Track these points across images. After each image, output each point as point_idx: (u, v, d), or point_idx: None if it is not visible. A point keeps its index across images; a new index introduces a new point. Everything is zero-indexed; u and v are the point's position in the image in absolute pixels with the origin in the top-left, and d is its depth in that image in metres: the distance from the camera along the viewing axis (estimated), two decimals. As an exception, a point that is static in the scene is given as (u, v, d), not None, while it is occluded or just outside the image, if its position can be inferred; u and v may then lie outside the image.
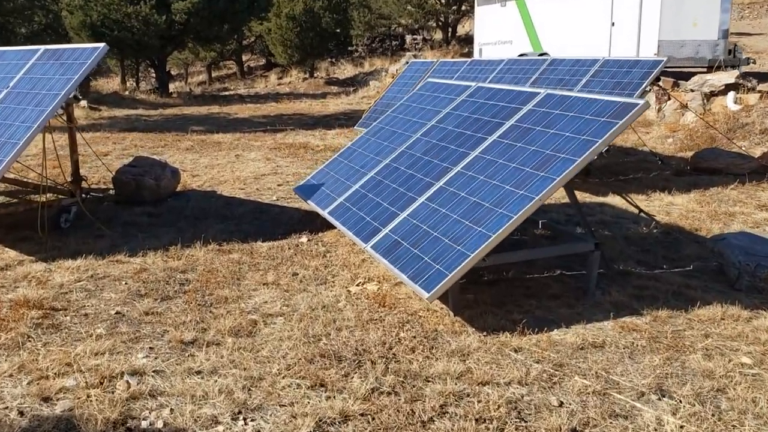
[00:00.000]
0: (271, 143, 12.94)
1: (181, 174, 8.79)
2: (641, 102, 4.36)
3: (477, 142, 5.32)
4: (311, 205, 6.49)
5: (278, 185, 9.12)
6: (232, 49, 35.40)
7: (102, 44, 6.39)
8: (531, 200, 4.28)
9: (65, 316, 4.55)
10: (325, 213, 6.08)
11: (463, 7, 35.42)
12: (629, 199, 6.43)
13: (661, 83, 16.07)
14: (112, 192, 8.10)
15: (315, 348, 4.04)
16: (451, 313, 4.50)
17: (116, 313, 4.61)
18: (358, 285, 5.10)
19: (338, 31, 30.63)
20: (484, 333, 4.25)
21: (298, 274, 5.37)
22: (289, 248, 6.03)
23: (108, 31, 21.17)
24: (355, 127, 13.84)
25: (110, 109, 19.01)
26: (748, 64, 18.96)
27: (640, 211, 6.70)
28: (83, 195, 7.40)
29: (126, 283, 5.18)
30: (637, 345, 4.12)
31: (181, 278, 5.29)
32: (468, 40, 36.69)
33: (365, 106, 20.17)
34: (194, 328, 4.33)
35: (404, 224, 4.98)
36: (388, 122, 6.95)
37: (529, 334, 4.25)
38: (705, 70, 18.93)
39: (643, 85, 8.28)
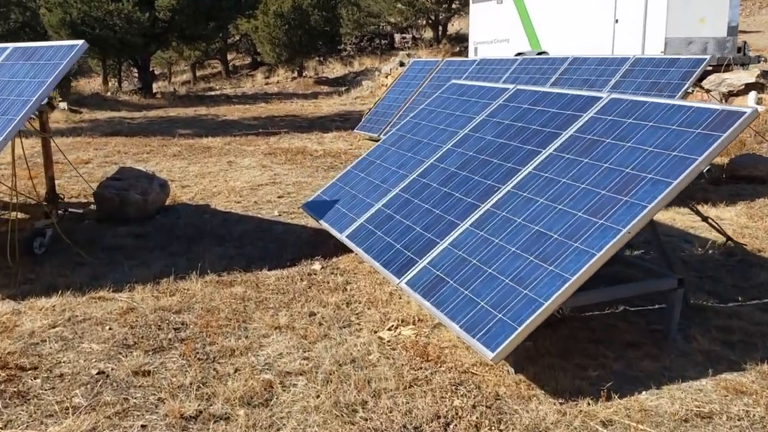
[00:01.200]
0: (265, 148, 12.05)
1: (170, 186, 7.89)
2: (748, 110, 3.53)
3: (528, 156, 4.48)
4: (324, 226, 5.63)
5: (279, 197, 8.24)
6: (217, 48, 34.40)
7: (80, 41, 5.49)
8: (617, 233, 3.44)
9: (35, 378, 3.66)
10: (342, 237, 5.22)
11: (454, 5, 34.65)
12: (711, 221, 5.51)
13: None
14: (93, 208, 7.20)
15: (351, 425, 3.19)
16: (512, 370, 3.66)
17: (98, 372, 3.73)
18: (390, 329, 4.24)
19: (327, 29, 29.70)
20: (560, 399, 3.41)
21: (315, 314, 4.50)
22: (300, 279, 5.16)
23: (89, 30, 20.16)
24: (354, 131, 12.98)
25: (92, 112, 18.02)
26: (759, 62, 18.25)
27: (728, 238, 5.80)
28: (60, 212, 6.50)
29: (110, 329, 4.29)
30: (754, 415, 3.29)
31: (176, 321, 4.40)
32: (459, 38, 35.90)
33: (360, 107, 19.30)
34: (196, 396, 3.46)
35: (446, 256, 4.13)
36: (408, 129, 6.09)
37: (614, 398, 3.42)
38: (711, 69, 18.15)
39: (685, 86, 7.49)
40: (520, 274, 3.62)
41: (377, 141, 12.22)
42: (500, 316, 3.45)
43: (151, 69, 25.57)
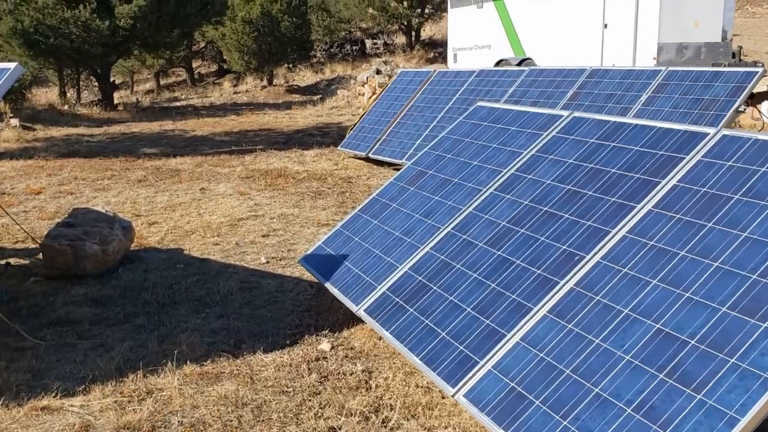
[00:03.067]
0: (240, 170, 10.83)
1: (134, 227, 6.66)
2: None
3: (615, 213, 3.38)
4: (333, 292, 4.47)
5: (263, 236, 7.06)
6: (181, 56, 32.95)
7: (13, 64, 4.27)
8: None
9: None
10: (360, 312, 4.07)
11: (427, 11, 33.68)
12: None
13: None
14: (40, 257, 5.95)
15: None
16: None
17: None
18: (444, 458, 3.10)
19: (298, 35, 28.47)
20: None
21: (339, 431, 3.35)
22: (308, 367, 3.99)
23: (43, 39, 18.71)
24: (339, 148, 11.83)
25: (46, 128, 16.59)
26: (756, 66, 17.46)
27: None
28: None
29: (55, 466, 3.10)
30: None
31: (148, 448, 3.22)
32: (432, 44, 34.92)
33: (338, 118, 18.15)
34: None
35: (521, 358, 3.01)
36: (430, 164, 4.96)
37: None
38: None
39: (736, 104, 6.48)
40: (648, 401, 2.50)
41: (364, 159, 11.08)
42: (635, 475, 2.33)
43: (111, 79, 24.12)
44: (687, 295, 2.76)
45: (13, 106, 17.32)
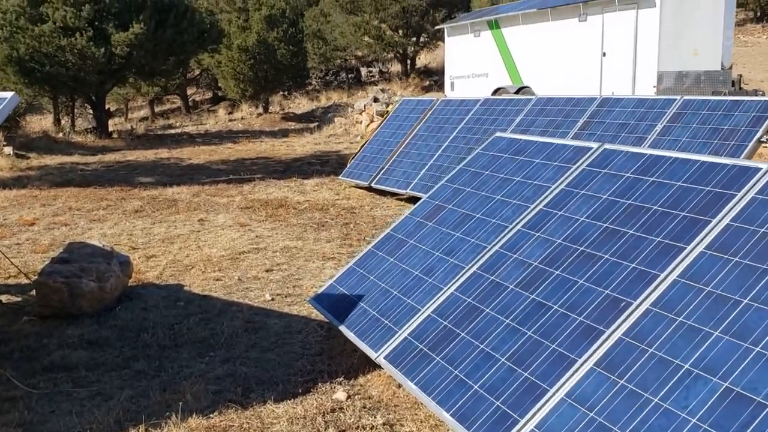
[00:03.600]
0: (239, 200, 10.56)
1: (132, 262, 6.37)
2: None
3: (662, 254, 3.11)
4: (349, 336, 4.17)
5: (267, 271, 6.76)
6: (176, 83, 32.81)
7: (10, 94, 4.01)
8: None
9: None
10: (380, 359, 3.77)
11: (422, 39, 33.70)
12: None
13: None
14: (33, 294, 5.64)
15: None
16: None
17: None
18: None
19: (294, 63, 28.38)
20: None
21: (360, 495, 3.04)
22: (323, 422, 3.67)
23: (38, 67, 18.51)
24: (340, 177, 11.58)
25: (40, 156, 16.32)
26: (756, 95, 17.38)
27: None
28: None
29: None
30: None
31: None
32: (428, 72, 34.90)
33: (336, 146, 17.94)
34: None
35: (568, 416, 2.72)
36: (449, 197, 4.70)
37: None
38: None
39: (758, 134, 6.26)
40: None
41: (366, 189, 10.82)
42: None
43: (106, 107, 23.89)
44: (757, 349, 2.48)
45: (6, 133, 17.05)
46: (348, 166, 11.61)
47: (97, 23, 18.80)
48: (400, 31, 32.44)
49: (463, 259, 4.00)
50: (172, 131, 25.82)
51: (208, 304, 5.77)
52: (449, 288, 3.86)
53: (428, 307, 3.83)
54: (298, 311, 5.55)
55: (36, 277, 5.43)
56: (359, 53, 36.89)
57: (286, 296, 5.97)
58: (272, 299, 5.89)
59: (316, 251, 7.46)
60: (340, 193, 10.98)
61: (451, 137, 9.71)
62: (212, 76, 34.96)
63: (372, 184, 10.49)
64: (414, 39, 33.19)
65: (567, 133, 8.02)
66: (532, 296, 3.39)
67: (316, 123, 24.36)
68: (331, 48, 34.69)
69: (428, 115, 10.78)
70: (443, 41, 34.81)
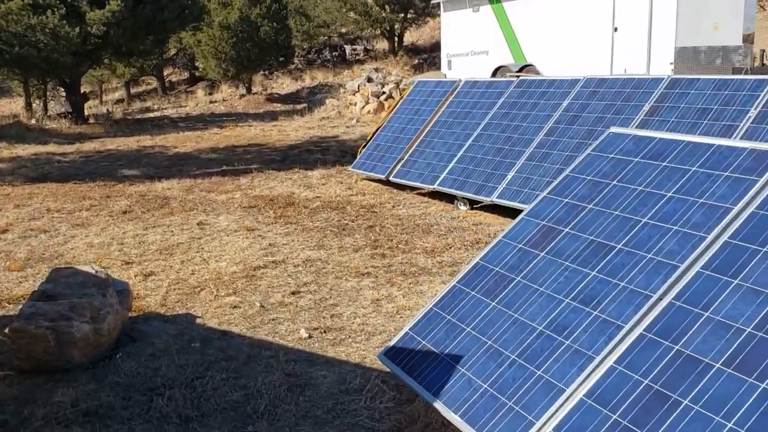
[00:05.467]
0: (240, 197, 9.35)
1: (131, 290, 5.18)
2: None
3: None
4: (448, 416, 3.04)
5: (293, 293, 5.61)
6: (153, 64, 31.22)
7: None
8: None
9: None
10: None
11: (410, 15, 32.37)
12: None
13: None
14: (8, 333, 4.42)
15: None
16: None
17: None
18: None
19: (279, 41, 26.96)
20: None
21: None
22: None
23: (7, 48, 16.99)
24: (351, 169, 10.39)
25: (12, 146, 14.92)
26: (782, 72, 16.39)
27: None
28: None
29: None
30: None
31: None
32: (416, 50, 33.63)
33: (331, 130, 16.70)
34: None
35: None
36: (562, 217, 3.55)
37: None
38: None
39: None
40: None
41: (385, 183, 9.64)
42: None
43: (81, 90, 22.38)
44: None
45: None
46: (359, 156, 10.42)
47: (70, 0, 17.33)
48: (387, 7, 31.10)
49: (615, 312, 2.88)
50: (151, 114, 24.38)
51: (231, 345, 4.60)
52: (605, 359, 2.74)
53: (578, 388, 2.71)
54: (346, 355, 4.42)
55: (13, 323, 4.21)
56: (344, 30, 35.53)
57: (325, 331, 4.83)
58: (310, 336, 4.74)
59: (345, 264, 6.31)
60: (353, 187, 9.80)
61: (483, 124, 8.56)
62: (189, 56, 33.44)
63: (390, 178, 9.33)
64: (402, 15, 31.89)
65: (630, 120, 6.91)
66: (763, 385, 2.28)
67: (304, 104, 23.06)
68: (315, 25, 33.29)
69: (451, 99, 9.61)
70: (432, 17, 33.62)
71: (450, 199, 8.48)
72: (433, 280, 5.80)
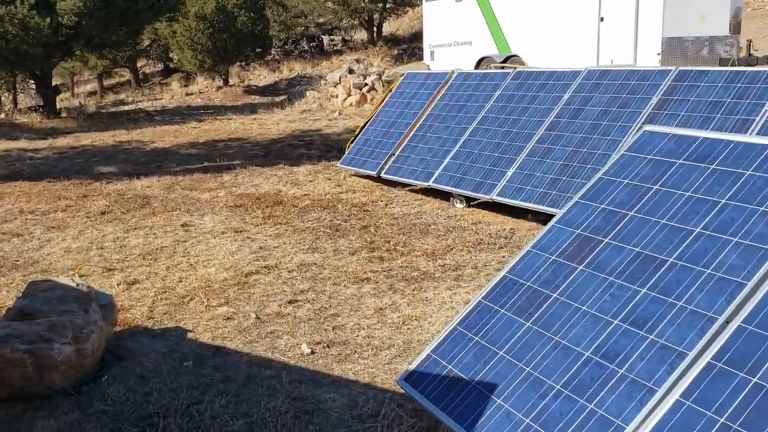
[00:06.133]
0: (225, 196, 8.94)
1: (116, 303, 4.77)
2: None
3: None
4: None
5: (289, 302, 5.24)
6: (126, 55, 30.49)
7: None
8: None
9: None
10: None
11: (388, 5, 31.92)
12: None
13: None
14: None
15: None
16: None
17: None
18: None
19: (256, 31, 26.41)
20: None
21: None
22: None
23: (-26, 39, 16.35)
24: (339, 165, 10.00)
25: (-19, 142, 14.34)
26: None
27: None
28: None
29: None
30: None
31: None
32: (395, 40, 33.18)
33: (314, 123, 16.28)
34: None
35: None
36: (599, 225, 3.22)
37: None
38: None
39: None
40: None
41: (375, 179, 9.26)
42: None
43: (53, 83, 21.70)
44: None
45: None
46: (347, 151, 10.04)
47: (39, -11, 16.70)
48: (366, -3, 30.61)
49: (675, 337, 2.55)
50: (126, 108, 23.79)
51: (228, 363, 4.23)
52: (669, 391, 2.41)
53: (640, 426, 2.38)
54: (354, 373, 4.06)
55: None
56: (322, 20, 34.99)
57: (328, 345, 4.47)
58: (312, 352, 4.37)
59: (342, 269, 5.94)
60: (342, 184, 9.42)
61: (479, 118, 8.22)
62: (163, 47, 32.73)
63: (382, 175, 8.97)
64: (381, 5, 31.42)
65: (637, 114, 6.60)
66: None
67: (284, 97, 22.60)
68: (292, 15, 32.74)
69: (443, 91, 9.25)
70: (411, 7, 33.20)
71: (445, 196, 8.14)
72: (438, 286, 5.46)
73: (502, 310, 3.17)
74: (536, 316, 3.03)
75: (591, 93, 7.27)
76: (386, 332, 4.65)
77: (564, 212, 3.42)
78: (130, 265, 6.30)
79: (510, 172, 7.24)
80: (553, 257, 3.23)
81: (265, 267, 6.07)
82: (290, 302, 5.24)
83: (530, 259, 3.32)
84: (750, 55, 16.21)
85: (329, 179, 9.76)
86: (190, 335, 4.70)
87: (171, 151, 13.10)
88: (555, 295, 3.05)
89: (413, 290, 5.40)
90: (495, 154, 7.61)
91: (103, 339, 4.22)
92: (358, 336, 4.60)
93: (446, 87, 9.29)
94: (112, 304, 4.53)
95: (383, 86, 18.93)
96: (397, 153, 9.02)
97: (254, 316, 4.99)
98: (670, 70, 6.75)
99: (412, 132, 9.09)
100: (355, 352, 4.36)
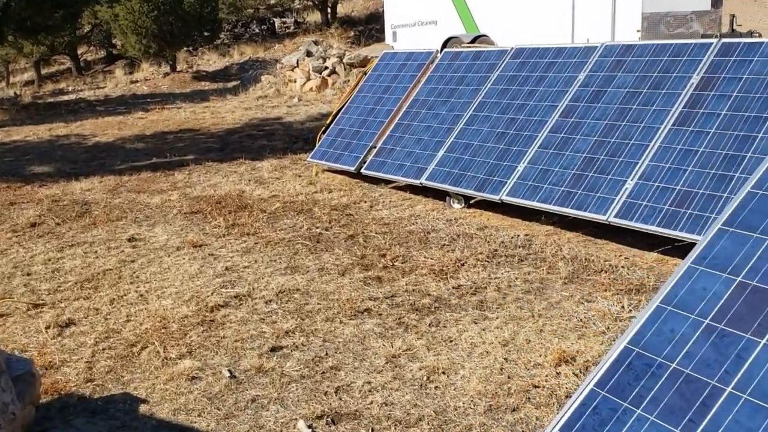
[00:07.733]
0: (177, 199, 7.64)
1: (38, 373, 3.51)
2: None
3: None
4: None
5: (272, 350, 4.03)
6: (65, 42, 28.51)
7: None
8: None
9: None
10: None
11: (343, -15, 30.56)
12: None
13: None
14: None
15: None
16: None
17: None
18: None
19: (205, 14, 24.82)
20: None
21: None
22: None
23: None
24: (309, 159, 8.74)
25: None
26: (752, 37, 15.42)
27: None
28: None
29: None
30: None
31: None
32: (351, 22, 31.82)
33: (272, 110, 14.95)
34: None
35: None
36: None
37: None
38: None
39: None
40: None
41: (351, 175, 8.01)
42: None
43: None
44: None
45: None
46: (318, 143, 8.79)
47: (-39, -33, 14.99)
48: (320, -23, 29.20)
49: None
50: (66, 98, 22.05)
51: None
52: None
53: None
54: (378, 470, 2.89)
55: None
56: (272, 1, 33.43)
57: (332, 422, 3.28)
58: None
59: (332, 296, 4.75)
60: (314, 182, 8.19)
61: (476, 104, 7.07)
62: (106, 33, 30.82)
63: (362, 171, 7.76)
64: (335, -15, 30.03)
65: (676, 96, 5.52)
66: None
67: (236, 82, 21.16)
68: (242, -4, 31.14)
69: (429, 74, 8.07)
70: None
71: (437, 194, 7.00)
72: (460, 319, 4.30)
73: (638, 411, 2.02)
74: (704, 425, 1.89)
75: (613, 72, 6.16)
76: (408, 395, 3.48)
77: (706, 247, 2.28)
78: (64, 297, 5.01)
79: (520, 168, 6.11)
80: (707, 321, 2.09)
81: (235, 297, 4.84)
82: (273, 350, 4.03)
83: (663, 320, 2.18)
84: (733, 30, 15.41)
85: (299, 176, 8.52)
86: (142, 408, 3.46)
87: (115, 146, 11.67)
88: (729, 389, 1.92)
89: (429, 326, 4.23)
90: (500, 145, 6.47)
91: (18, 427, 2.96)
92: (371, 402, 3.42)
93: (432, 68, 8.11)
94: (33, 373, 3.26)
95: (345, 69, 17.66)
96: (378, 145, 7.82)
97: (227, 373, 3.77)
98: (711, 44, 5.67)
99: (395, 121, 7.90)
100: (373, 430, 3.19)
